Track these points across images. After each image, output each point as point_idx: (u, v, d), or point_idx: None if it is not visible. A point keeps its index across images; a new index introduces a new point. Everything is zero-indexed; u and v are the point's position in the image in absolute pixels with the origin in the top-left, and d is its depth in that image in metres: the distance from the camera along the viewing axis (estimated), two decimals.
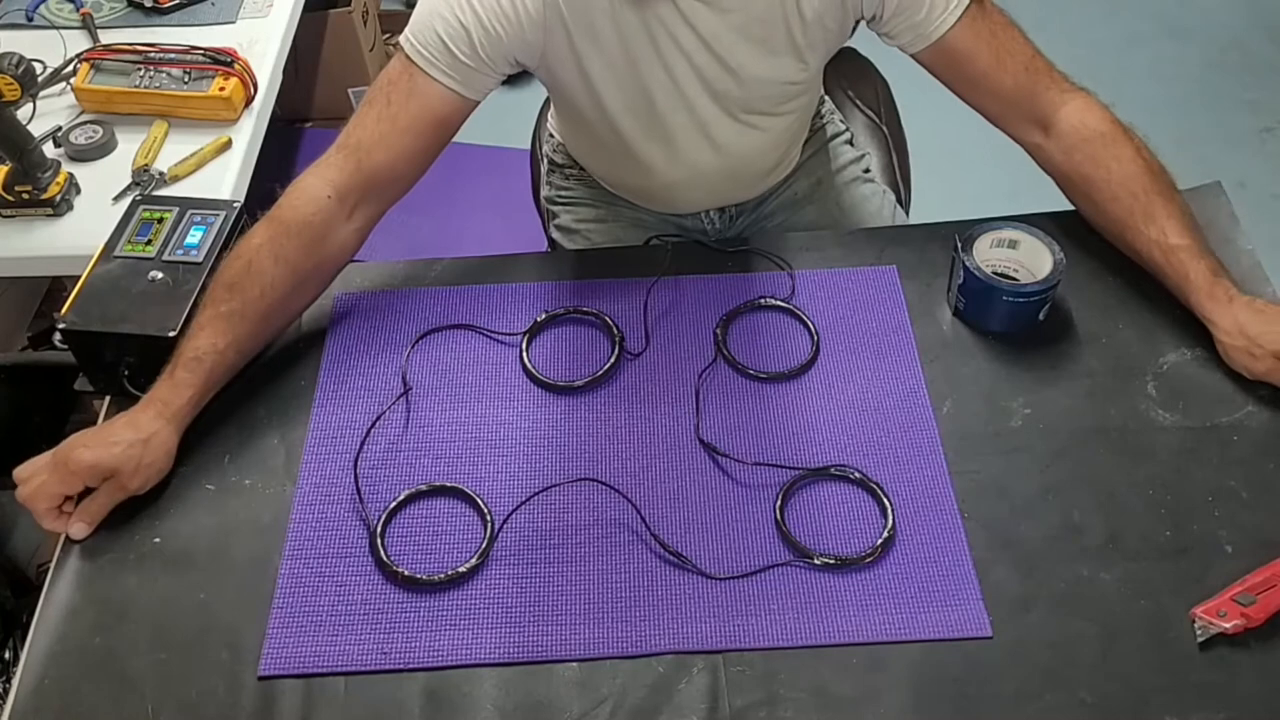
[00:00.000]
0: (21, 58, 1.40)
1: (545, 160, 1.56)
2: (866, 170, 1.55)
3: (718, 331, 1.18)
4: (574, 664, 0.95)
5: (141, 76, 1.61)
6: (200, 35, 1.72)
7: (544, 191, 1.56)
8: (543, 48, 1.16)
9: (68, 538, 1.03)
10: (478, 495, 1.05)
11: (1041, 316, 1.15)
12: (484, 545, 1.01)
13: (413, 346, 1.18)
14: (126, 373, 1.11)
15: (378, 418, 1.11)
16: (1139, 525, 1.01)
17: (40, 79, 1.57)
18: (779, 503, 1.04)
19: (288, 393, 1.14)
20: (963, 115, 1.24)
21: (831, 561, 1.00)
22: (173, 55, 1.62)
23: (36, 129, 1.55)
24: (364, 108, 1.14)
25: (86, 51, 1.65)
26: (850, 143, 1.56)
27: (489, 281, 1.24)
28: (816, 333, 1.17)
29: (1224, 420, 1.08)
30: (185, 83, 1.60)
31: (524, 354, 1.17)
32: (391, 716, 0.93)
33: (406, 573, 1.00)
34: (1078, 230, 1.21)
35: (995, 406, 1.11)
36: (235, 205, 1.22)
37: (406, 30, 1.13)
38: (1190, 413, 1.09)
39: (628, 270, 1.24)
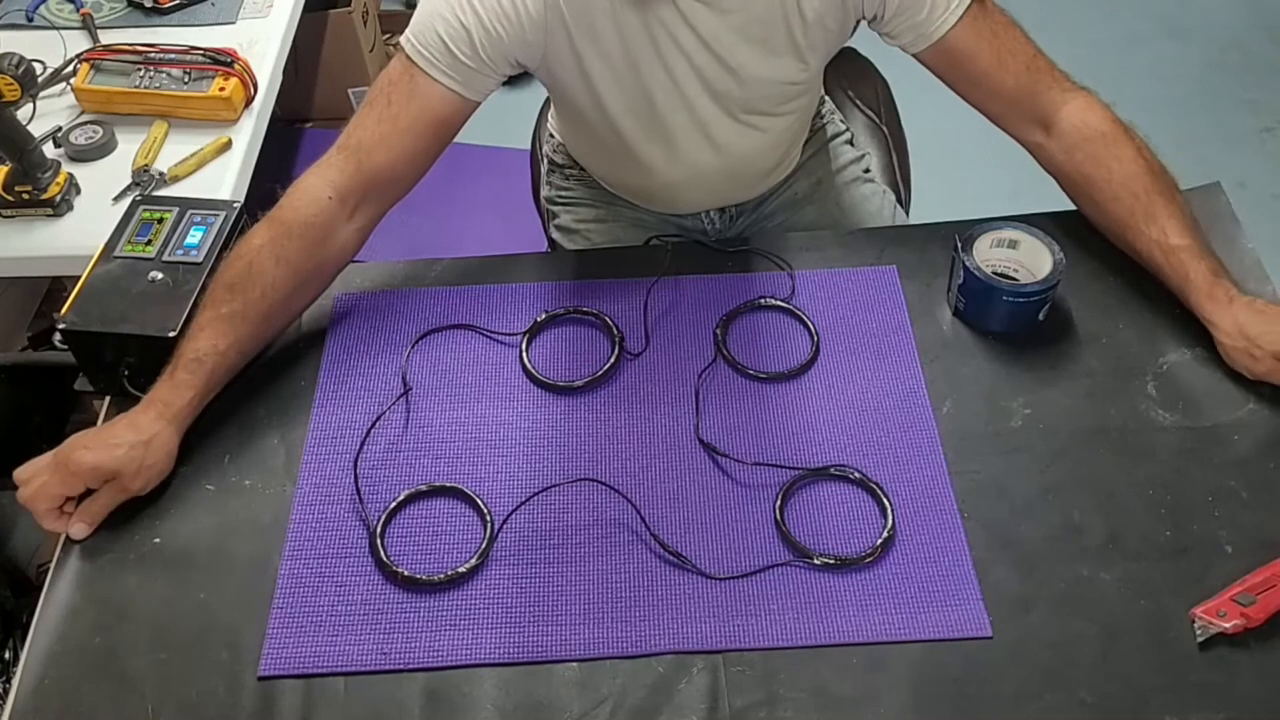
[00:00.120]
0: (21, 58, 1.40)
1: (545, 160, 1.56)
2: (866, 170, 1.55)
3: (718, 331, 1.18)
4: (574, 664, 0.95)
5: (141, 77, 1.61)
6: (200, 35, 1.72)
7: (544, 191, 1.57)
8: (543, 48, 1.16)
9: (68, 538, 1.03)
10: (478, 495, 1.05)
11: (1041, 316, 1.15)
12: (484, 545, 1.01)
13: (413, 347, 1.18)
14: (126, 373, 1.11)
15: (378, 418, 1.11)
16: (1139, 525, 1.01)
17: (40, 79, 1.57)
18: (779, 503, 1.04)
19: (288, 393, 1.14)
20: (963, 115, 1.24)
21: (831, 561, 1.00)
22: (173, 55, 1.62)
23: (36, 129, 1.55)
24: (364, 108, 1.14)
25: (86, 51, 1.65)
26: (850, 143, 1.56)
27: (489, 281, 1.24)
28: (816, 333, 1.17)
29: (1224, 420, 1.08)
30: (185, 83, 1.60)
31: (524, 354, 1.17)
32: (391, 716, 0.93)
33: (406, 573, 1.00)
34: (1078, 230, 1.21)
35: (995, 406, 1.11)
36: (235, 205, 1.22)
37: (407, 31, 1.13)
38: (1190, 413, 1.09)
39: (628, 270, 1.24)
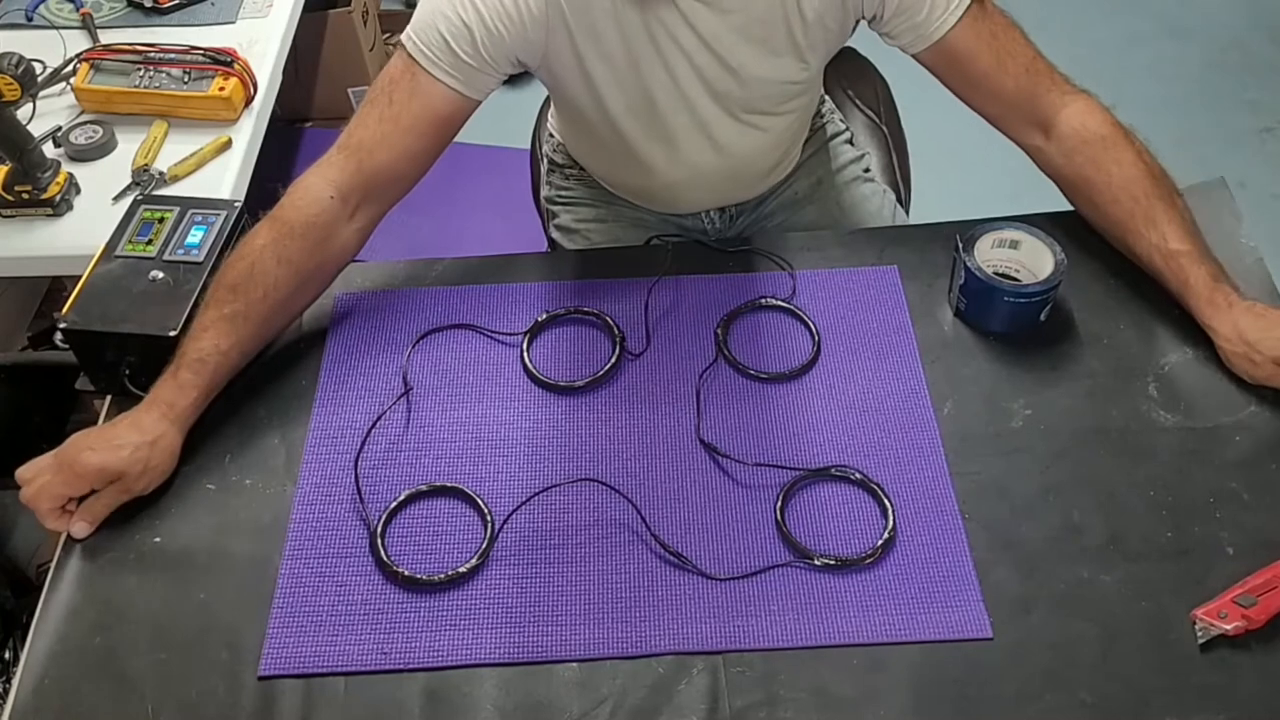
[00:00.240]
0: (21, 58, 1.40)
1: (545, 160, 1.56)
2: (866, 170, 1.55)
3: (718, 331, 1.18)
4: (574, 664, 0.95)
5: (141, 76, 1.60)
6: (200, 35, 1.72)
7: (544, 191, 1.56)
8: (545, 47, 1.15)
9: (69, 536, 1.03)
10: (478, 495, 1.05)
11: (1043, 317, 1.15)
12: (484, 545, 1.01)
13: (413, 346, 1.18)
14: (127, 372, 1.11)
15: (378, 418, 1.11)
16: (1140, 526, 1.01)
17: (40, 79, 1.57)
18: (779, 503, 1.04)
19: (288, 392, 1.14)
20: (963, 115, 1.24)
21: (832, 562, 1.00)
22: (173, 55, 1.62)
23: (36, 129, 1.55)
24: (365, 107, 1.14)
25: (86, 51, 1.65)
26: (850, 142, 1.56)
27: (490, 281, 1.24)
28: (817, 333, 1.17)
29: (1226, 421, 1.08)
30: (185, 83, 1.60)
31: (525, 354, 1.17)
32: (391, 716, 0.93)
33: (407, 573, 1.00)
34: (1079, 231, 1.21)
35: (996, 407, 1.11)
36: (236, 205, 1.22)
37: (408, 29, 1.13)
38: (1192, 413, 1.09)
39: (628, 270, 1.24)
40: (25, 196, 1.47)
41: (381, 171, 1.13)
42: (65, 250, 1.46)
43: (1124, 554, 0.99)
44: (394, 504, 1.05)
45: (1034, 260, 1.17)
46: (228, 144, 1.58)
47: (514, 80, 1.21)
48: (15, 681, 0.96)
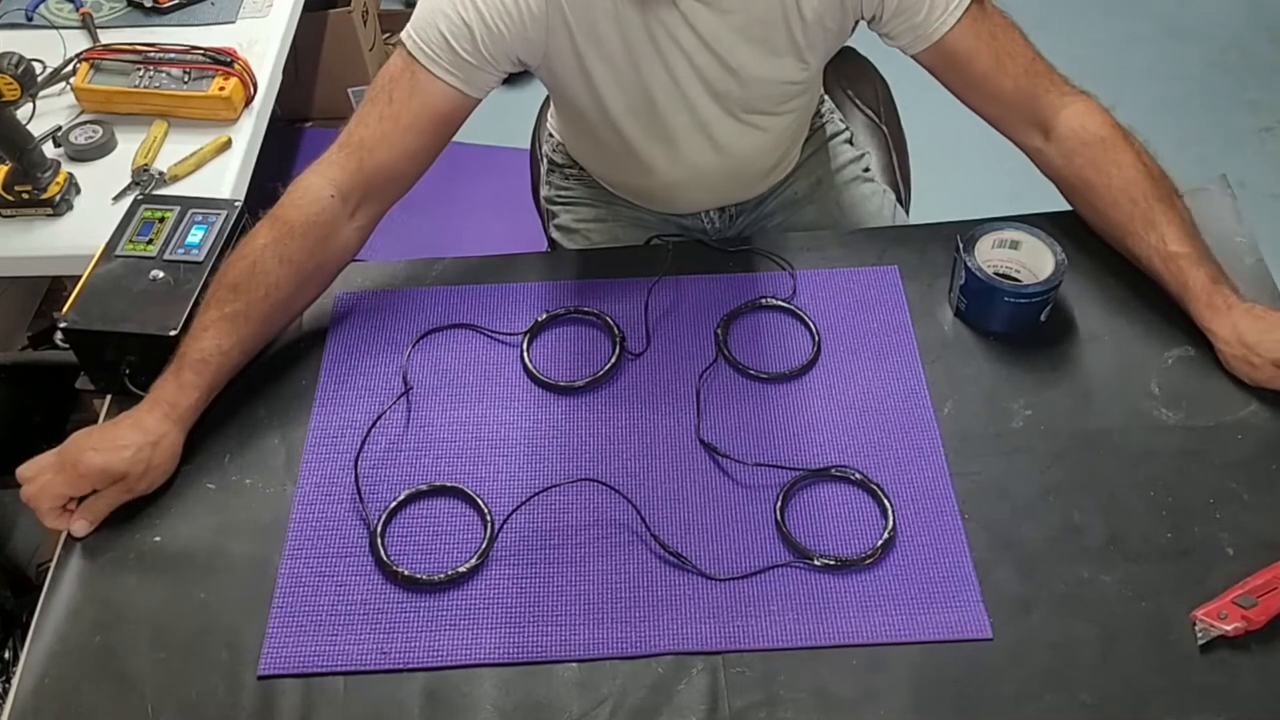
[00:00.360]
0: (21, 58, 1.40)
1: (545, 160, 1.56)
2: (866, 169, 1.55)
3: (719, 331, 1.18)
4: (574, 664, 0.95)
5: (141, 76, 1.60)
6: (200, 35, 1.72)
7: (544, 191, 1.56)
8: (545, 46, 1.15)
9: (69, 535, 1.03)
10: (478, 495, 1.05)
11: (1043, 317, 1.15)
12: (484, 545, 1.01)
13: (413, 346, 1.18)
14: (128, 371, 1.11)
15: (378, 417, 1.11)
16: (1140, 527, 1.01)
17: (40, 79, 1.57)
18: (779, 503, 1.04)
19: (289, 392, 1.14)
20: (963, 115, 1.24)
21: (832, 562, 1.00)
22: (172, 55, 1.62)
23: (36, 129, 1.55)
24: (365, 105, 1.14)
25: (86, 51, 1.65)
26: (850, 142, 1.56)
27: (490, 281, 1.24)
28: (818, 333, 1.17)
29: (1228, 419, 1.08)
30: (185, 83, 1.60)
31: (525, 354, 1.17)
32: (391, 716, 0.93)
33: (406, 573, 1.00)
34: (1079, 231, 1.21)
35: (996, 407, 1.11)
36: (236, 205, 1.22)
37: (408, 27, 1.13)
38: (1194, 411, 1.09)
39: (628, 270, 1.24)
40: (25, 196, 1.47)
41: (382, 170, 1.13)
42: (65, 250, 1.46)
43: (1124, 554, 0.99)
44: (394, 504, 1.05)
45: (1034, 260, 1.17)
46: (228, 144, 1.58)
47: (514, 80, 1.21)
48: (15, 681, 0.96)
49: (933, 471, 1.06)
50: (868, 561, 1.00)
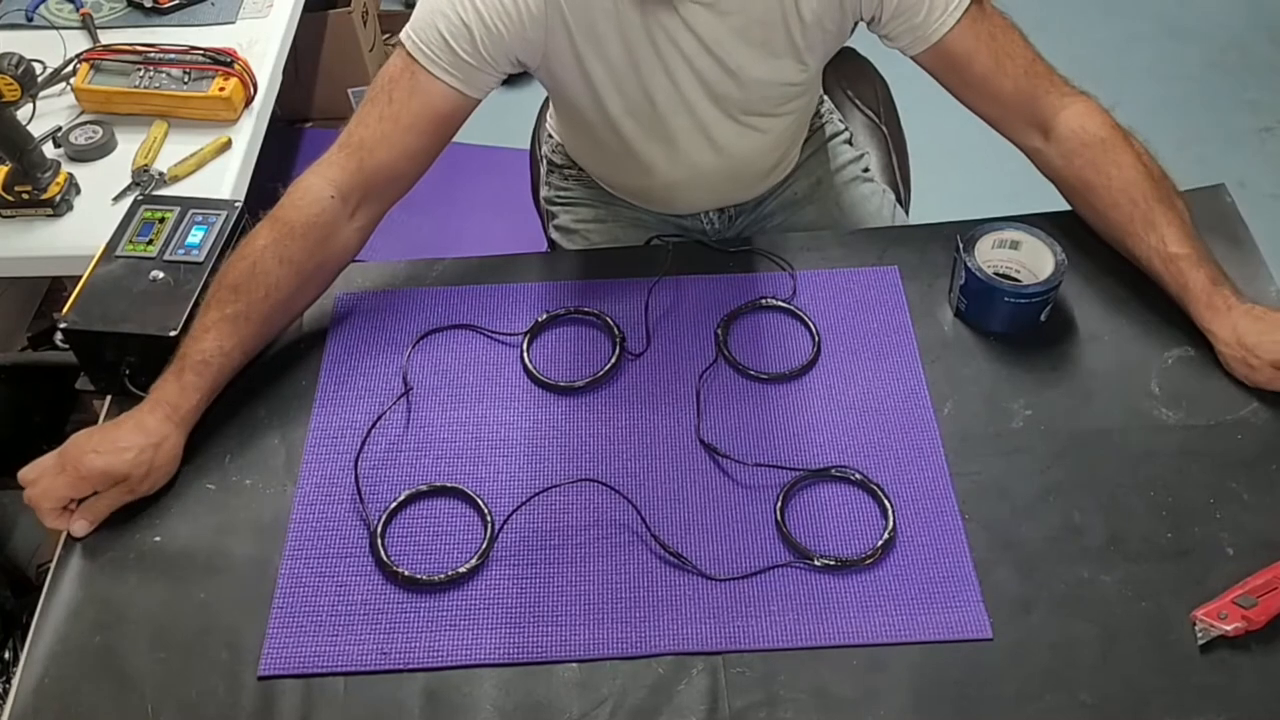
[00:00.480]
0: (21, 58, 1.40)
1: (545, 161, 1.56)
2: (866, 170, 1.55)
3: (719, 332, 1.18)
4: (574, 664, 0.95)
5: (141, 77, 1.60)
6: (200, 35, 1.72)
7: (543, 192, 1.56)
8: (544, 47, 1.15)
9: (69, 535, 1.03)
10: (478, 495, 1.05)
11: (1043, 317, 1.15)
12: (484, 545, 1.01)
13: (413, 346, 1.18)
14: (128, 372, 1.11)
15: (378, 418, 1.11)
16: (1140, 527, 1.01)
17: (40, 79, 1.57)
18: (779, 504, 1.04)
19: (289, 393, 1.14)
20: (963, 115, 1.24)
21: (832, 563, 1.00)
22: (172, 55, 1.62)
23: (36, 129, 1.55)
24: (365, 106, 1.14)
25: (86, 51, 1.65)
26: (849, 142, 1.56)
27: (490, 281, 1.24)
28: (818, 333, 1.17)
29: (1228, 419, 1.08)
30: (185, 83, 1.59)
31: (525, 354, 1.17)
32: (391, 716, 0.93)
33: (407, 573, 1.00)
34: (1079, 231, 1.21)
35: (996, 407, 1.11)
36: (236, 205, 1.22)
37: (408, 27, 1.13)
38: (1194, 410, 1.09)
39: (628, 270, 1.24)
40: (25, 196, 1.47)
41: (382, 170, 1.13)
42: (65, 250, 1.46)
43: (1124, 554, 0.99)
44: (394, 504, 1.05)
45: (1034, 260, 1.17)
46: (228, 144, 1.58)
47: (513, 80, 1.21)
48: (15, 681, 0.96)
49: (933, 472, 1.06)
50: (868, 562, 1.00)
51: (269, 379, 1.15)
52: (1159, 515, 1.02)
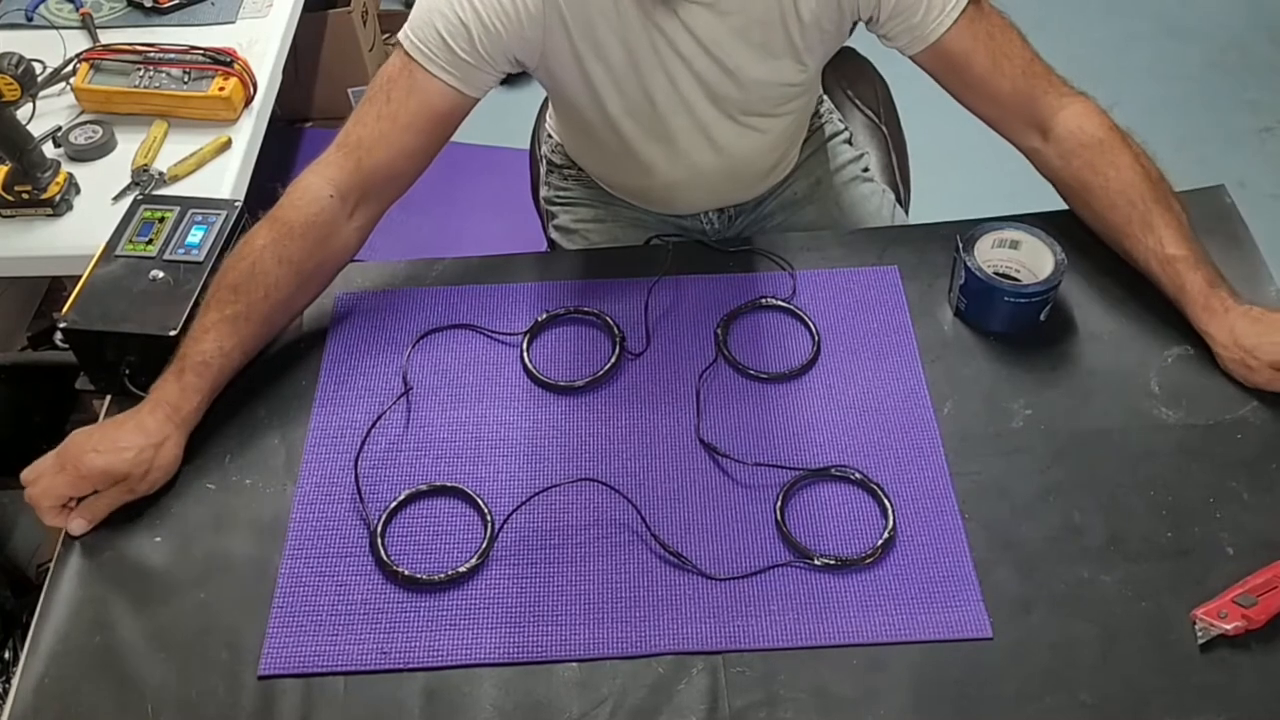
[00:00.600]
0: (21, 58, 1.40)
1: (544, 160, 1.56)
2: (865, 170, 1.55)
3: (718, 331, 1.18)
4: (574, 664, 0.95)
5: (141, 76, 1.60)
6: (200, 35, 1.72)
7: (543, 192, 1.56)
8: (542, 46, 1.15)
9: (68, 535, 1.03)
10: (478, 495, 1.05)
11: (1043, 317, 1.15)
12: (484, 545, 1.01)
13: (413, 346, 1.18)
14: (127, 372, 1.11)
15: (378, 417, 1.11)
16: (1140, 526, 1.01)
17: (40, 79, 1.57)
18: (779, 503, 1.04)
19: (289, 392, 1.14)
20: (963, 115, 1.24)
21: (832, 562, 1.00)
22: (172, 55, 1.62)
23: (36, 129, 1.55)
24: (363, 105, 1.14)
25: (86, 51, 1.65)
26: (849, 142, 1.56)
27: (490, 281, 1.24)
28: (817, 333, 1.17)
29: (1227, 418, 1.08)
30: (185, 83, 1.60)
31: (525, 354, 1.17)
32: (391, 716, 0.93)
33: (407, 572, 1.00)
34: (1078, 230, 1.21)
35: (996, 407, 1.11)
36: (236, 205, 1.22)
37: (406, 27, 1.13)
38: (1194, 409, 1.09)
39: (628, 270, 1.24)
40: (25, 196, 1.47)
41: (380, 169, 1.13)
42: (65, 250, 1.46)
43: (1124, 554, 0.99)
44: (394, 504, 1.05)
45: (1034, 260, 1.17)
46: (227, 144, 1.58)
47: (513, 80, 1.21)
48: (15, 681, 0.96)
49: (933, 471, 1.06)
50: (868, 561, 1.00)
51: (269, 379, 1.15)
52: (1159, 515, 1.02)
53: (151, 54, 1.63)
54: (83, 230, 1.47)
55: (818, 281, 1.23)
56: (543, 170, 1.57)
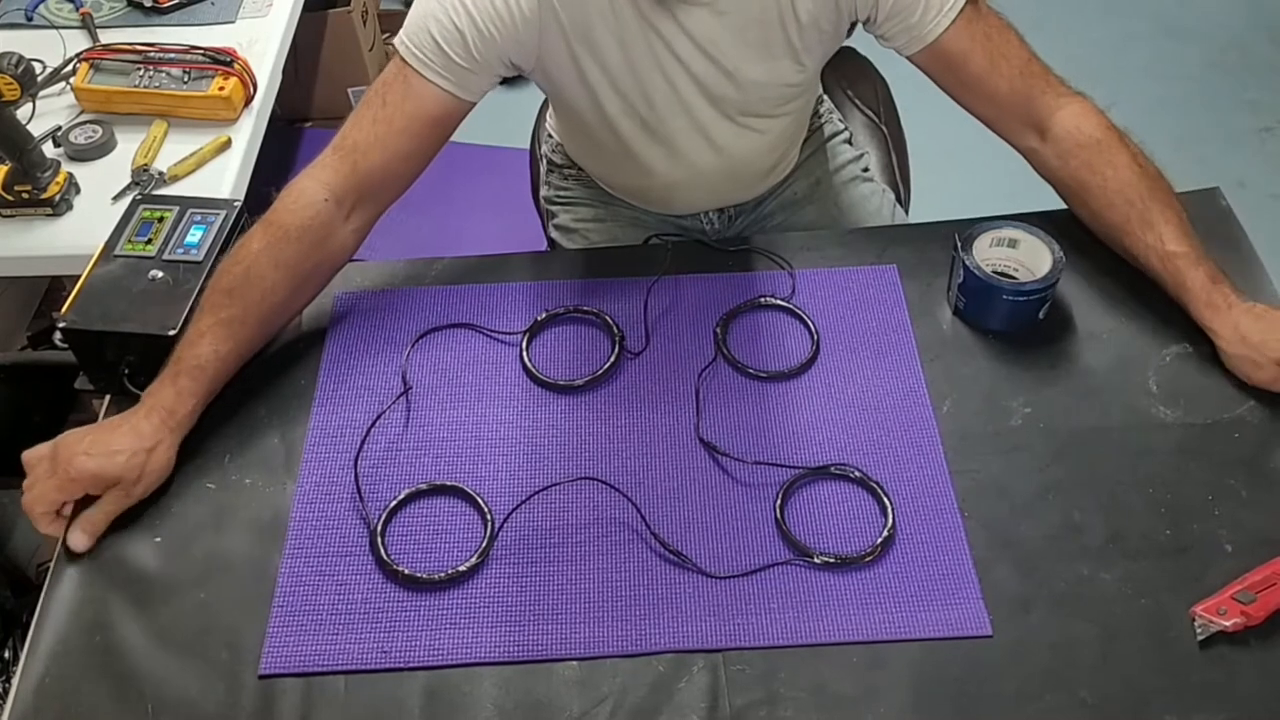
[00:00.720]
0: (21, 57, 1.40)
1: (544, 160, 1.56)
2: (865, 169, 1.55)
3: (718, 330, 1.18)
4: (574, 663, 0.95)
5: (141, 76, 1.61)
6: (200, 35, 1.72)
7: (543, 191, 1.56)
8: (538, 50, 1.15)
9: (68, 547, 1.02)
10: (478, 494, 1.05)
11: (1041, 315, 1.15)
12: (484, 544, 1.01)
13: (413, 346, 1.18)
14: (127, 371, 1.11)
15: (378, 417, 1.11)
16: (1139, 524, 1.01)
17: (40, 79, 1.57)
18: (779, 501, 1.04)
19: (288, 392, 1.14)
20: (962, 115, 1.24)
21: (831, 560, 1.00)
22: (172, 55, 1.62)
23: (36, 129, 1.55)
24: (360, 109, 1.14)
25: (86, 51, 1.65)
26: (849, 142, 1.56)
27: (489, 281, 1.24)
28: (817, 332, 1.17)
29: (1225, 417, 1.08)
30: (185, 82, 1.60)
31: (524, 353, 1.17)
32: (391, 716, 0.93)
33: (407, 571, 1.00)
34: (1077, 229, 1.21)
35: (995, 405, 1.11)
36: (236, 205, 1.22)
37: (401, 33, 1.13)
38: (1191, 409, 1.09)
39: (628, 269, 1.24)
40: (25, 196, 1.47)
41: (375, 173, 1.13)
42: (65, 250, 1.46)
43: (1123, 552, 0.99)
44: (394, 503, 1.05)
45: (1032, 258, 1.17)
46: (227, 144, 1.58)
47: (513, 80, 1.21)
48: (15, 681, 0.96)
49: (932, 470, 1.06)
50: (867, 559, 1.00)
51: (268, 378, 1.15)
52: (1158, 512, 1.02)
53: (151, 54, 1.63)
54: (82, 230, 1.47)
55: (817, 281, 1.23)
56: (543, 170, 1.57)
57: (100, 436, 1.03)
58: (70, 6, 1.80)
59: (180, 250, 1.17)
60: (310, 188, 1.11)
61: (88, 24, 1.75)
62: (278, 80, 1.73)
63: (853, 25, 1.22)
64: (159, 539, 1.03)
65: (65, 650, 0.97)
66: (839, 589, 0.99)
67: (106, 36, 1.73)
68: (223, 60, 1.61)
